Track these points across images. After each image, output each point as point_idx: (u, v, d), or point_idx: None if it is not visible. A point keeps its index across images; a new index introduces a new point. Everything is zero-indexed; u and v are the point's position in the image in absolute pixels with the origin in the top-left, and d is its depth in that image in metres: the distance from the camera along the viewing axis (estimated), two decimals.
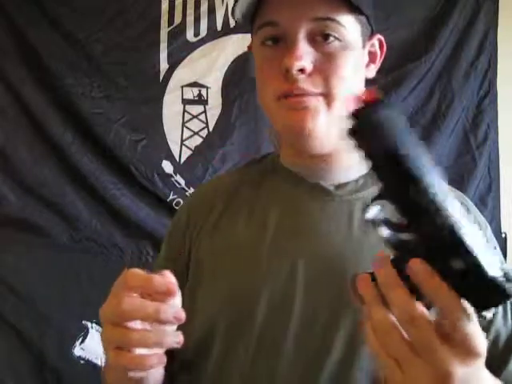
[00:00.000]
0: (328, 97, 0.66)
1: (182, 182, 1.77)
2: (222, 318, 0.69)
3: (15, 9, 1.71)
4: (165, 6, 1.77)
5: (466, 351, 0.41)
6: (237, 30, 1.76)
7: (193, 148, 1.78)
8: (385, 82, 1.78)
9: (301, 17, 0.65)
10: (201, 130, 1.79)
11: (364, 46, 0.72)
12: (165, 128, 1.77)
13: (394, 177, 0.43)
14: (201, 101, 1.79)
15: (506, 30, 1.83)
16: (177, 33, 1.76)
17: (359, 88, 0.72)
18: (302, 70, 0.64)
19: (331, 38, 0.66)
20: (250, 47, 0.77)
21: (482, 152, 1.85)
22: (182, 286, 0.75)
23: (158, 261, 0.86)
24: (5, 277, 1.71)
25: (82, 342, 1.70)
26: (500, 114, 1.86)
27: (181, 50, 1.77)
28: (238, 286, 0.69)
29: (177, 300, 0.55)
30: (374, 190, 0.68)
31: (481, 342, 0.42)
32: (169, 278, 0.54)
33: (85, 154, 1.74)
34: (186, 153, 1.78)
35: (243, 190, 0.78)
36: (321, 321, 0.65)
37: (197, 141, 1.78)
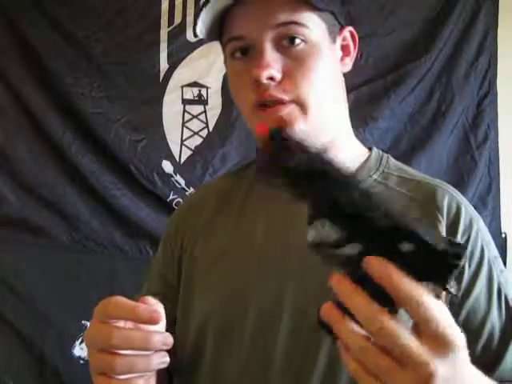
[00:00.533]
0: (302, 104, 0.66)
1: (182, 182, 1.77)
2: (214, 318, 0.69)
3: (15, 9, 1.72)
4: (165, 6, 1.77)
5: (442, 342, 0.40)
6: None
7: (193, 148, 1.78)
8: (385, 82, 1.78)
9: (263, 26, 0.65)
10: (201, 130, 1.79)
11: (334, 42, 0.71)
12: (165, 128, 1.77)
13: (322, 189, 0.44)
14: (201, 101, 1.79)
15: (506, 30, 1.83)
16: (177, 33, 1.76)
17: (336, 85, 0.72)
18: (271, 79, 0.64)
19: (297, 41, 0.65)
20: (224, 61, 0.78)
21: (482, 152, 1.84)
22: (175, 298, 0.76)
23: (151, 271, 0.85)
24: (5, 277, 1.71)
25: (82, 341, 1.70)
26: (500, 114, 1.86)
27: (181, 50, 1.77)
28: (228, 290, 0.70)
29: (161, 325, 0.56)
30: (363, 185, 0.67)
31: (454, 330, 0.41)
32: (153, 306, 0.54)
33: (85, 154, 1.74)
34: (186, 153, 1.78)
35: (234, 194, 0.78)
36: (310, 325, 0.63)
37: (197, 141, 1.78)
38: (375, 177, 0.74)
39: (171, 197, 1.75)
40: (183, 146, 1.78)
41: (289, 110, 0.65)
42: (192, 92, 1.78)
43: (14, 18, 1.72)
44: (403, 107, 1.79)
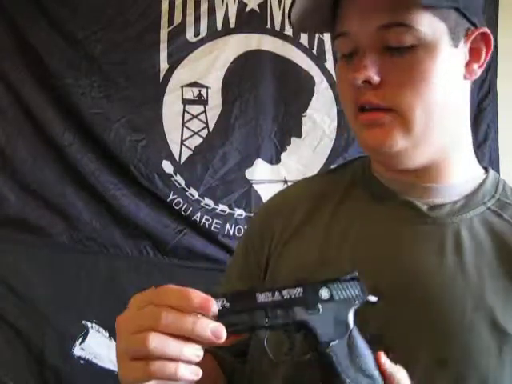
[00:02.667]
0: (402, 114, 0.60)
1: (182, 182, 1.77)
2: None
3: (15, 9, 1.71)
4: (165, 6, 1.76)
5: None
6: (237, 29, 1.76)
7: (193, 148, 1.78)
8: None
9: (367, 25, 0.59)
10: (201, 130, 1.79)
11: (457, 45, 0.61)
12: (165, 128, 1.77)
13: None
14: (201, 101, 1.78)
15: (506, 30, 1.83)
16: (177, 33, 1.76)
17: (454, 96, 0.63)
18: (368, 82, 0.59)
19: (402, 45, 0.58)
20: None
21: (482, 152, 1.85)
22: None
23: (228, 279, 0.78)
24: (5, 277, 1.71)
25: (82, 341, 1.70)
26: (500, 113, 1.86)
27: (181, 50, 1.77)
28: None
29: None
30: (474, 212, 0.63)
31: None
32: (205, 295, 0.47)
33: (85, 154, 1.74)
34: (186, 153, 1.78)
35: (328, 199, 0.71)
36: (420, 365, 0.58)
37: (197, 141, 1.78)
38: (489, 204, 0.65)
39: (171, 197, 1.75)
40: (183, 146, 1.78)
41: (387, 119, 0.60)
42: (192, 92, 1.78)
43: (14, 17, 1.71)
44: None
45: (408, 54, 0.59)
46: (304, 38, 1.77)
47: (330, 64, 1.78)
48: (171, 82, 1.77)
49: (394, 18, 0.58)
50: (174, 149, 1.78)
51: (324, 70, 1.78)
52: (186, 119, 1.78)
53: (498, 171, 1.86)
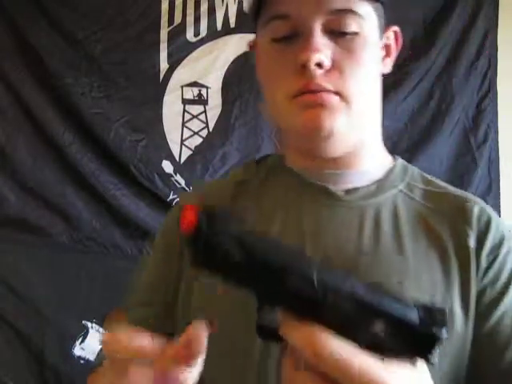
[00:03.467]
0: (345, 98, 0.60)
1: (182, 181, 1.77)
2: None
3: (15, 9, 1.71)
4: (165, 6, 1.77)
5: None
6: (237, 29, 1.76)
7: (193, 148, 1.78)
8: (385, 82, 1.78)
9: (316, 9, 0.58)
10: (201, 130, 1.79)
11: (381, 39, 0.65)
12: (165, 128, 1.77)
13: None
14: (201, 101, 1.79)
15: (506, 30, 1.83)
16: (177, 33, 1.76)
17: (377, 85, 0.67)
18: (319, 65, 0.58)
19: (349, 31, 0.59)
20: (251, 45, 0.71)
21: (482, 152, 1.85)
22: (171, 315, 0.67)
23: (140, 281, 0.76)
24: (5, 277, 1.71)
25: (82, 341, 1.70)
26: (500, 114, 1.86)
27: (181, 50, 1.77)
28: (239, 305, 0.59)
29: None
30: (387, 195, 0.65)
31: None
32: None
33: (85, 154, 1.74)
34: (186, 153, 1.78)
35: (245, 194, 0.71)
36: None
37: (197, 141, 1.78)
38: (400, 187, 0.68)
39: (171, 197, 1.75)
40: (183, 146, 1.78)
41: (331, 100, 0.60)
42: (192, 92, 1.78)
43: (14, 17, 1.72)
44: (403, 107, 1.80)
45: (351, 41, 0.60)
46: None
47: None
48: (171, 82, 1.77)
49: (346, 4, 0.59)
50: (174, 149, 1.78)
51: None
52: (186, 119, 1.78)
53: (497, 171, 1.86)
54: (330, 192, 0.66)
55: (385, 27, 0.66)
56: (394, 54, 0.69)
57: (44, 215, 1.74)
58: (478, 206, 0.67)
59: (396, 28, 0.68)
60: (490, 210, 0.68)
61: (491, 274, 0.63)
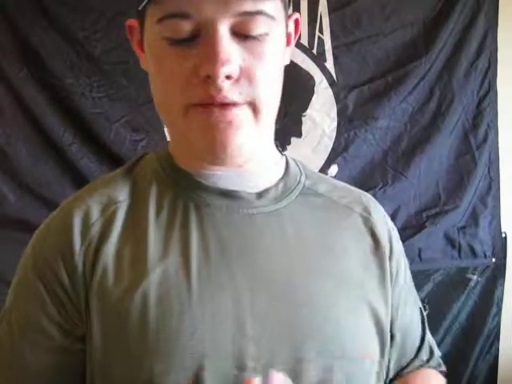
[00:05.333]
0: (255, 106, 0.55)
1: None
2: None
3: (15, 9, 1.71)
4: None
5: None
6: None
7: None
8: (385, 82, 1.78)
9: (222, 10, 0.51)
10: None
11: (286, 31, 0.60)
12: (165, 128, 1.77)
13: None
14: None
15: (506, 30, 1.83)
16: None
17: (279, 85, 0.59)
18: (227, 77, 0.51)
19: (259, 34, 0.53)
20: (130, 29, 0.61)
21: (482, 152, 1.85)
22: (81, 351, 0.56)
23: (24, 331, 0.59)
24: (5, 277, 1.70)
25: None
26: (500, 114, 1.86)
27: None
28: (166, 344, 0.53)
29: None
30: (295, 194, 0.64)
31: None
32: None
33: (85, 154, 1.74)
34: None
35: (140, 210, 0.59)
36: (281, 358, 0.55)
37: None
38: (303, 182, 0.66)
39: None
40: None
41: (241, 114, 0.54)
42: None
43: (13, 17, 1.71)
44: (403, 107, 1.80)
45: (260, 44, 0.53)
46: (304, 38, 1.77)
47: (330, 64, 1.78)
48: None
49: (257, 5, 0.51)
50: None
51: (324, 70, 1.78)
52: None
53: (497, 171, 1.87)
54: (241, 197, 0.60)
55: (289, 14, 0.60)
56: (293, 42, 0.63)
57: (44, 215, 1.72)
58: (371, 201, 0.70)
59: (297, 15, 0.62)
60: (379, 205, 0.71)
61: (400, 278, 0.68)
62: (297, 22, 0.62)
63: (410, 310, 0.71)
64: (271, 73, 0.55)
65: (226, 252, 0.58)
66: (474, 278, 1.90)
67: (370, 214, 0.67)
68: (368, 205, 0.68)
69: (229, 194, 0.60)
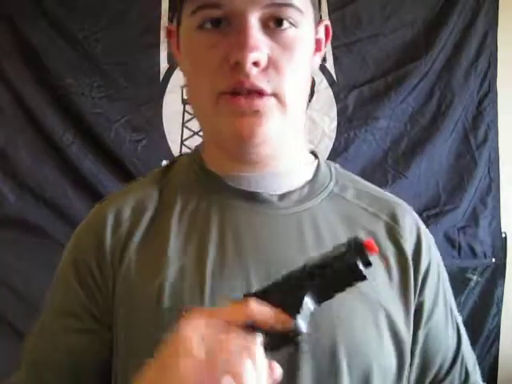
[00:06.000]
0: (281, 98, 0.56)
1: None
2: None
3: (15, 9, 1.71)
4: (165, 6, 1.76)
5: None
6: None
7: (193, 148, 1.78)
8: (385, 82, 1.78)
9: (253, 1, 0.53)
10: (201, 130, 1.78)
11: (316, 34, 0.61)
12: (165, 128, 1.77)
13: None
14: None
15: (506, 31, 1.83)
16: None
17: (307, 83, 0.61)
18: (255, 64, 0.53)
19: (286, 25, 0.55)
20: (169, 33, 0.63)
21: (482, 152, 1.85)
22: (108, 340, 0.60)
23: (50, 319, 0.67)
24: (5, 277, 1.71)
25: None
26: (500, 114, 1.86)
27: None
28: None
29: None
30: (320, 198, 0.63)
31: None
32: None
33: (85, 154, 1.74)
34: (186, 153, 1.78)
35: (168, 208, 0.63)
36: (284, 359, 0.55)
37: (197, 141, 1.76)
38: (331, 187, 0.65)
39: None
40: (183, 146, 1.78)
41: (267, 103, 0.55)
42: None
43: (14, 17, 1.72)
44: (403, 107, 1.80)
45: (288, 37, 0.56)
46: None
47: (330, 64, 1.78)
48: (171, 82, 1.77)
49: None
50: (174, 149, 1.77)
51: (324, 70, 1.78)
52: (185, 119, 1.78)
53: (497, 171, 1.86)
54: (263, 198, 0.61)
55: (319, 20, 0.62)
56: (324, 49, 0.64)
57: (44, 215, 1.74)
58: (406, 210, 0.68)
59: (327, 22, 0.64)
60: (413, 212, 0.69)
61: (427, 292, 0.64)
62: (327, 29, 0.64)
63: (437, 326, 0.66)
64: (298, 66, 0.57)
65: (242, 252, 0.59)
66: (474, 278, 1.90)
67: (397, 223, 0.65)
68: (397, 213, 0.66)
69: (251, 196, 0.62)
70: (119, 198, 0.67)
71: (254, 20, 0.54)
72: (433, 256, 0.66)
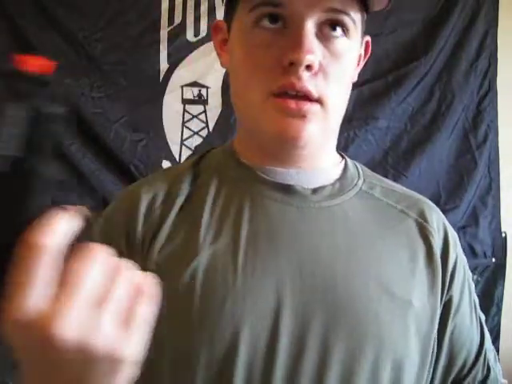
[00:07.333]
0: (325, 105, 0.58)
1: None
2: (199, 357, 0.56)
3: (15, 9, 1.71)
4: (165, 5, 1.76)
5: None
6: None
7: (193, 148, 1.78)
8: (385, 82, 1.78)
9: (313, 4, 0.55)
10: (201, 130, 1.79)
11: (361, 47, 0.64)
12: (165, 128, 1.77)
13: None
14: (201, 101, 1.79)
15: (506, 31, 1.83)
16: (177, 33, 1.76)
17: (348, 93, 0.63)
18: (308, 66, 0.55)
19: (339, 32, 0.57)
20: (216, 28, 0.64)
21: (482, 152, 1.85)
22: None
23: None
24: None
25: None
26: (500, 114, 1.86)
27: (181, 50, 1.77)
28: (210, 324, 0.57)
29: None
30: (350, 194, 0.65)
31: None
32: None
33: (85, 153, 1.74)
34: (186, 153, 1.78)
35: (201, 196, 0.64)
36: (311, 356, 0.56)
37: (197, 141, 1.78)
38: (360, 185, 0.67)
39: None
40: (183, 146, 1.78)
41: (313, 109, 0.57)
42: (192, 92, 1.78)
43: (14, 17, 1.72)
44: (403, 107, 1.80)
45: (339, 45, 0.57)
46: None
47: None
48: (171, 82, 1.77)
49: (344, 6, 0.56)
50: (174, 149, 1.78)
51: None
52: (185, 119, 1.78)
53: (497, 171, 1.86)
54: (297, 191, 0.63)
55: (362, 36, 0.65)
56: (362, 64, 0.67)
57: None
58: (432, 208, 0.68)
59: (369, 38, 0.66)
60: (439, 211, 0.69)
61: (454, 287, 0.65)
62: (367, 45, 0.66)
63: (463, 321, 0.67)
64: (344, 75, 0.59)
65: (273, 241, 0.60)
66: (474, 277, 1.90)
67: (425, 220, 0.66)
68: (425, 211, 0.67)
69: (284, 188, 0.63)
70: (153, 183, 0.67)
71: (311, 24, 0.55)
72: (459, 252, 0.68)
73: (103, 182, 1.74)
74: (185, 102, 1.78)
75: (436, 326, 0.63)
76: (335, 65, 0.57)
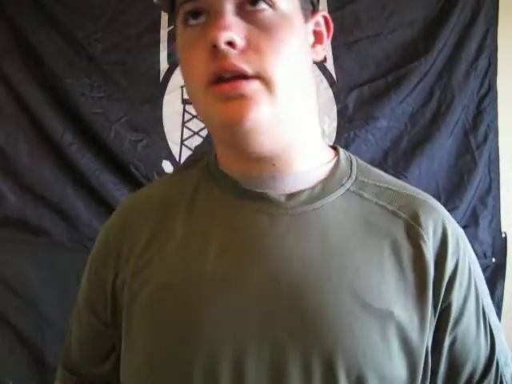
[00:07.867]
0: (268, 81, 0.55)
1: None
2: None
3: (15, 9, 1.71)
4: None
5: None
6: None
7: (193, 148, 1.78)
8: (385, 82, 1.78)
9: None
10: (201, 130, 1.78)
11: (306, 22, 0.60)
12: (165, 128, 1.77)
13: None
14: None
15: (506, 30, 1.83)
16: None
17: (307, 71, 0.60)
18: (231, 44, 0.53)
19: (262, 5, 0.55)
20: (173, 36, 0.67)
21: (482, 152, 1.85)
22: (112, 325, 0.70)
23: (80, 297, 0.81)
24: (5, 277, 1.71)
25: None
26: (500, 114, 1.86)
27: None
28: (173, 343, 0.58)
29: None
30: (334, 196, 0.61)
31: None
32: None
33: (85, 154, 1.74)
34: (186, 153, 1.78)
35: (175, 205, 0.65)
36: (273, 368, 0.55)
37: (197, 141, 1.78)
38: (348, 185, 0.63)
39: None
40: (183, 146, 1.78)
41: (252, 86, 0.54)
42: None
43: (13, 17, 1.71)
44: (403, 107, 1.80)
45: (267, 19, 0.55)
46: None
47: (329, 64, 1.78)
48: (171, 82, 1.77)
49: None
50: (174, 149, 1.77)
51: (324, 70, 1.78)
52: (185, 119, 1.78)
53: (497, 171, 1.86)
54: (270, 198, 0.61)
55: (313, 12, 0.62)
56: (326, 40, 0.64)
57: (44, 215, 1.74)
58: (432, 208, 0.63)
59: (325, 13, 0.64)
60: (442, 209, 0.65)
61: (454, 294, 0.61)
62: (327, 21, 0.64)
63: (467, 331, 0.63)
64: (283, 48, 0.55)
65: (243, 253, 0.59)
66: None
67: (417, 222, 0.61)
68: (420, 212, 0.62)
69: (258, 196, 0.61)
70: (142, 195, 0.72)
71: (228, 5, 0.54)
72: (461, 257, 0.62)
73: (103, 182, 1.74)
74: (185, 102, 1.78)
75: (428, 338, 0.59)
76: (265, 37, 0.55)
